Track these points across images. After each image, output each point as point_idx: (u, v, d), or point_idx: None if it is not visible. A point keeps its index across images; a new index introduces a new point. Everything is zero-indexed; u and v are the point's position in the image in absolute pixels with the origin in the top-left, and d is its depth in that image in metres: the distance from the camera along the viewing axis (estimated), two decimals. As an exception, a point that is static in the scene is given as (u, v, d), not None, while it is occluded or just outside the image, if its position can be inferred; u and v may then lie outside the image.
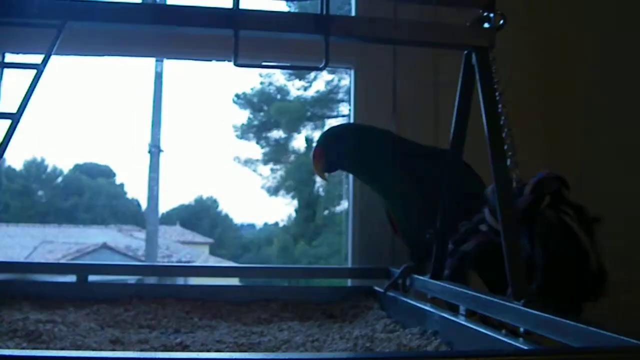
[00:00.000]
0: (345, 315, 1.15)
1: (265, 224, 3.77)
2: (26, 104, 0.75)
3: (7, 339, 0.89)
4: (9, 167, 3.19)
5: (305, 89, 3.26)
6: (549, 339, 0.70)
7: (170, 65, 1.93)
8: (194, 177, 3.45)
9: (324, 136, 1.21)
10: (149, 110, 2.68)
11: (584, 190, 0.98)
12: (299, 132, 3.31)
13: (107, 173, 3.50)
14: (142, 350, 0.90)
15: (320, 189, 3.34)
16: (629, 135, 1.54)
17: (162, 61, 2.20)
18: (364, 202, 1.46)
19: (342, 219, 1.58)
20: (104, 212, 3.44)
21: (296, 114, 3.29)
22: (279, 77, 3.23)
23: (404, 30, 0.93)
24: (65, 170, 3.45)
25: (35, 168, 3.33)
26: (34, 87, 0.76)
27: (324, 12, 0.89)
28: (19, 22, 0.88)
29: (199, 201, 3.73)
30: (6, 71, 1.41)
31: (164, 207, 3.46)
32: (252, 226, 3.83)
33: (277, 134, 3.30)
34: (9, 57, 1.44)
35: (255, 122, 3.29)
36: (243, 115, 3.21)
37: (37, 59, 0.80)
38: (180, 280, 1.56)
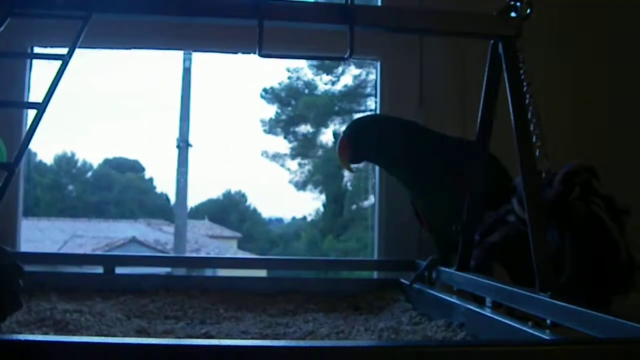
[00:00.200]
0: (371, 308, 1.15)
1: (293, 219, 3.78)
2: (52, 94, 0.75)
3: (35, 328, 0.90)
4: (40, 161, 3.24)
5: (333, 83, 3.26)
6: (576, 331, 0.69)
7: (199, 61, 1.94)
8: (222, 171, 3.47)
9: (350, 127, 1.21)
10: (178, 106, 2.69)
11: (614, 181, 0.97)
12: (326, 127, 3.31)
13: (136, 168, 3.54)
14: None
15: (348, 184, 3.34)
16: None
17: (190, 56, 2.21)
18: (391, 194, 1.45)
19: (370, 214, 1.58)
20: (133, 206, 3.47)
21: (324, 108, 3.29)
22: (306, 71, 3.23)
23: (429, 20, 0.92)
24: (95, 165, 3.49)
25: (66, 163, 3.37)
26: (60, 77, 0.76)
27: (349, 1, 0.88)
28: (45, 14, 0.88)
29: (227, 195, 3.75)
30: (37, 66, 1.45)
31: (193, 201, 3.49)
32: (280, 220, 3.84)
33: (304, 128, 3.30)
34: (37, 51, 1.45)
35: (283, 117, 3.30)
36: (271, 110, 3.22)
37: (65, 52, 0.80)
38: (208, 273, 1.57)
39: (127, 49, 1.48)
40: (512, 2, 0.93)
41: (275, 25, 0.88)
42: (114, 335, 0.89)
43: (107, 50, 1.52)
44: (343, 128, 1.23)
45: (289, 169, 3.30)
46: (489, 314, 0.85)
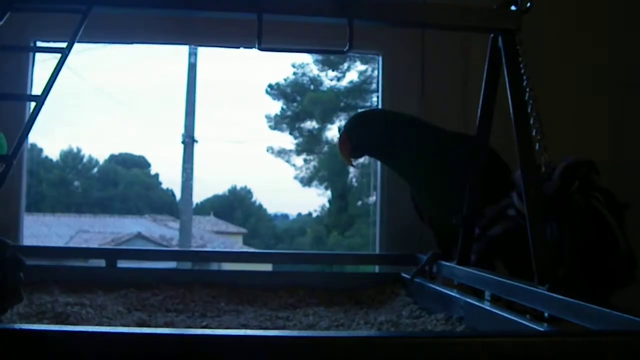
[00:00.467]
0: (371, 302, 1.15)
1: (299, 215, 3.78)
2: (50, 87, 0.75)
3: (36, 320, 0.91)
4: (46, 157, 3.25)
5: (339, 79, 3.25)
6: (573, 324, 0.69)
7: (204, 57, 1.94)
8: (227, 167, 3.47)
9: (351, 121, 1.21)
10: (183, 101, 2.69)
11: (614, 175, 0.97)
12: (332, 123, 3.31)
13: (141, 163, 3.54)
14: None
15: (354, 180, 3.34)
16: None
17: (195, 52, 2.22)
18: (392, 189, 1.46)
19: (373, 209, 1.58)
20: (139, 202, 3.48)
21: (329, 104, 3.28)
22: (312, 67, 3.22)
23: (428, 13, 0.92)
24: (101, 161, 3.49)
25: (72, 159, 3.37)
26: (59, 70, 0.77)
27: (348, -5, 0.88)
28: (45, 8, 0.89)
29: (233, 191, 3.75)
30: (41, 61, 1.46)
31: (198, 197, 3.49)
32: (285, 216, 3.84)
33: (310, 124, 3.30)
34: (40, 45, 1.46)
35: (289, 113, 3.29)
36: (276, 106, 3.22)
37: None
38: (212, 267, 1.57)
39: (128, 43, 1.49)
40: (513, -4, 0.93)
41: (274, 18, 0.89)
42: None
43: (109, 46, 1.53)
44: (346, 123, 1.23)
45: (294, 165, 3.29)
46: (488, 307, 0.86)
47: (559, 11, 1.48)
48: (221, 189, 3.69)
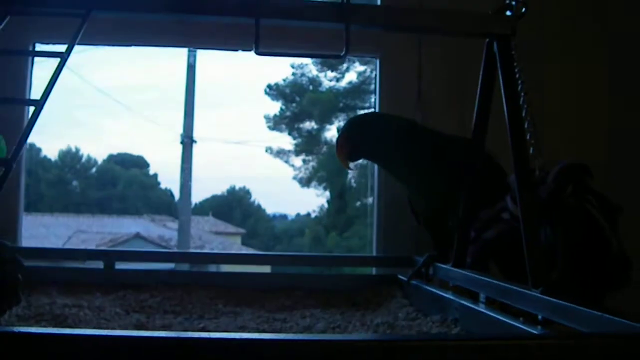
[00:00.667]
0: (368, 303, 1.16)
1: (297, 215, 3.78)
2: (50, 90, 0.76)
3: (34, 322, 0.91)
4: (45, 157, 3.25)
5: (338, 80, 3.26)
6: (566, 327, 0.70)
7: (203, 57, 1.94)
8: (226, 167, 3.47)
9: (348, 124, 1.21)
10: (182, 102, 2.70)
11: (609, 179, 0.97)
12: (331, 123, 3.31)
13: (140, 163, 3.54)
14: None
15: (352, 181, 3.34)
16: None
17: (194, 53, 2.22)
18: (390, 192, 1.46)
19: (370, 211, 1.58)
20: (137, 202, 3.48)
21: (328, 105, 3.28)
22: (311, 68, 3.23)
23: (424, 18, 0.93)
24: (99, 161, 3.49)
25: (70, 158, 3.37)
26: (58, 75, 0.77)
27: (345, 0, 0.89)
28: (44, 12, 0.90)
29: (232, 192, 3.75)
30: (40, 64, 1.46)
31: (197, 197, 3.49)
32: (284, 217, 3.84)
33: (309, 125, 3.30)
34: (40, 48, 1.46)
35: (288, 113, 3.29)
36: (275, 106, 3.22)
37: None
38: (211, 269, 1.57)
39: (127, 46, 1.49)
40: (508, 1, 0.94)
41: (272, 23, 0.89)
42: (112, 330, 0.90)
43: (109, 47, 1.53)
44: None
45: (293, 166, 3.29)
46: (483, 310, 0.86)
47: (559, 11, 1.49)
48: (220, 189, 3.69)
